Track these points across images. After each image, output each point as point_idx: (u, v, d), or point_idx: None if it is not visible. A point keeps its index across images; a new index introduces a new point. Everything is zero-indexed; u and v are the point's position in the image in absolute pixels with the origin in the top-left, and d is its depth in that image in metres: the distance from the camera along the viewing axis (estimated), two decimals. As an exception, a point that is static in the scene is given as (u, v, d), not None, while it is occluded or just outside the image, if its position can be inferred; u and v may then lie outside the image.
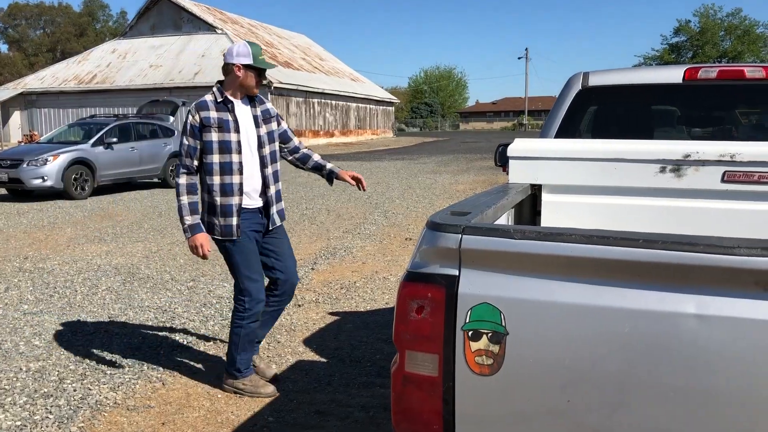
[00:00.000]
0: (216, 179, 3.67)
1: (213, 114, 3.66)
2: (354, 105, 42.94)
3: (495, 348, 1.54)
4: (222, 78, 3.77)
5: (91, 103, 33.43)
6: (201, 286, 6.56)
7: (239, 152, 3.68)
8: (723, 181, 2.78)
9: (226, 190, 3.68)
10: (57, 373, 4.30)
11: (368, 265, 7.46)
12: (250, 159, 3.73)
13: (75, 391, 4.02)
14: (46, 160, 13.64)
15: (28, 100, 35.61)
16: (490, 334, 1.54)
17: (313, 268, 7.29)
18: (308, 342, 4.89)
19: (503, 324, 1.53)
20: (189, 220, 3.71)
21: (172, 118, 17.05)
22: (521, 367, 1.53)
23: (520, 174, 2.97)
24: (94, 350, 4.72)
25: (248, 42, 3.75)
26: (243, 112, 3.75)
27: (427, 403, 1.61)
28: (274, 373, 4.07)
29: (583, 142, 3.28)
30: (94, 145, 14.52)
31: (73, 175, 13.87)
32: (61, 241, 9.16)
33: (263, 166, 3.78)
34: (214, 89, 3.74)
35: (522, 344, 1.53)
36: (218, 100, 3.70)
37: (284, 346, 4.82)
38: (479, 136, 51.67)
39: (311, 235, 9.40)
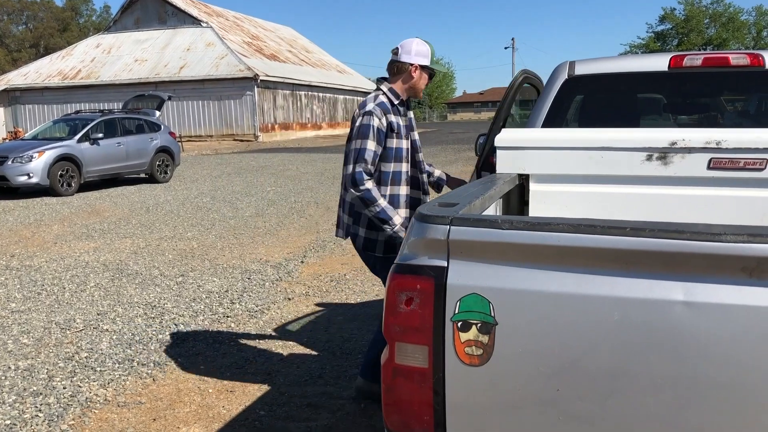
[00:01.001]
0: (387, 190, 3.30)
1: (393, 118, 3.29)
2: (341, 97, 42.83)
3: (484, 338, 1.54)
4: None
5: (76, 98, 33.16)
6: (190, 281, 6.54)
7: (408, 161, 3.35)
8: (709, 168, 2.79)
9: (394, 202, 3.31)
10: (46, 371, 4.28)
11: (358, 257, 7.44)
12: (411, 169, 3.42)
13: (65, 388, 4.00)
14: (32, 156, 13.53)
15: (11, 97, 35.27)
16: (479, 325, 1.54)
17: (302, 262, 7.28)
18: (299, 335, 4.89)
19: (492, 314, 1.53)
20: (398, 218, 3.25)
21: (158, 113, 16.96)
22: (511, 357, 1.54)
23: (507, 164, 2.97)
24: (84, 347, 4.70)
25: (425, 41, 3.39)
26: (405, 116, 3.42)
27: (418, 394, 1.61)
28: None
29: (569, 131, 3.29)
30: (79, 140, 14.41)
31: (59, 172, 13.76)
32: (48, 239, 9.09)
33: (421, 172, 3.48)
34: (385, 89, 3.36)
35: (511, 334, 1.53)
36: (394, 103, 3.33)
37: (275, 339, 4.81)
38: (467, 126, 51.69)
39: (300, 228, 9.39)
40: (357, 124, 3.28)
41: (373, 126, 3.22)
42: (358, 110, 3.33)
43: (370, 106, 3.28)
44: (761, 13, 54.67)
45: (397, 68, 3.36)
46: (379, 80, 3.45)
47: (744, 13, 54.78)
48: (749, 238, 1.38)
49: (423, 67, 3.35)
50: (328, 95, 40.89)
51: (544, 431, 1.56)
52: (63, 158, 13.91)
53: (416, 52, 3.33)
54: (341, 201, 3.55)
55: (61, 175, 13.81)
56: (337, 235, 3.65)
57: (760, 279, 1.40)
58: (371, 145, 3.21)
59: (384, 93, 3.36)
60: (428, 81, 3.43)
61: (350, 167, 3.22)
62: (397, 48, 3.38)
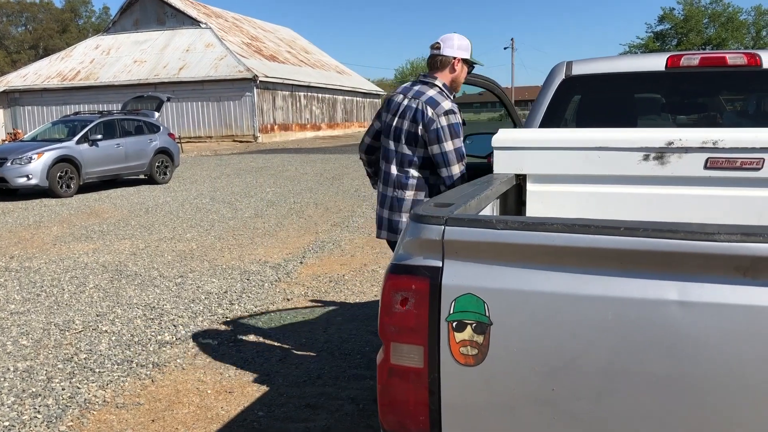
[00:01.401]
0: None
1: None
2: (341, 98, 42.81)
3: (479, 338, 1.54)
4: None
5: (75, 99, 33.13)
6: (189, 282, 6.54)
7: None
8: (706, 167, 2.79)
9: None
10: (45, 372, 4.28)
11: (357, 257, 7.46)
12: None
13: (63, 390, 4.00)
14: (31, 158, 13.52)
15: (11, 98, 35.25)
16: (474, 325, 1.54)
17: (301, 262, 7.28)
18: (297, 336, 4.89)
19: (487, 314, 1.53)
20: None
21: (157, 114, 16.96)
22: (505, 356, 1.54)
23: (504, 164, 2.97)
24: (83, 348, 4.70)
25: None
26: None
27: (413, 394, 1.62)
28: None
29: (567, 131, 3.29)
30: (78, 142, 14.41)
31: (58, 173, 13.76)
32: (48, 240, 9.09)
33: None
34: (440, 85, 3.39)
35: (506, 334, 1.53)
36: (451, 98, 3.39)
37: (273, 340, 4.81)
38: (467, 127, 51.55)
39: (299, 228, 9.39)
40: (445, 123, 3.30)
41: (461, 124, 3.36)
42: (431, 109, 3.31)
43: (448, 105, 3.32)
44: (760, 13, 54.66)
45: (440, 62, 3.39)
46: (425, 76, 3.46)
47: (743, 12, 54.78)
48: (743, 238, 1.38)
49: (464, 61, 3.41)
50: (327, 96, 40.87)
51: (540, 431, 1.57)
52: (62, 159, 13.91)
53: (458, 46, 3.38)
54: (392, 201, 3.49)
55: (60, 177, 13.81)
56: (381, 237, 3.58)
57: (754, 278, 1.40)
58: (463, 141, 3.37)
59: (441, 90, 3.38)
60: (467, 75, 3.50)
61: (458, 167, 3.33)
62: (437, 42, 3.40)
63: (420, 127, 3.32)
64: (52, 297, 6.13)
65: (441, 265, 1.58)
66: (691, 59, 3.62)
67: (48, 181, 13.58)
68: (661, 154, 2.82)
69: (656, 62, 3.70)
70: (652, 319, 1.45)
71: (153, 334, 5.01)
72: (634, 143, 2.85)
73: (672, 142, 2.80)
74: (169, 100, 17.83)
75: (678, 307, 1.44)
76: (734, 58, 3.55)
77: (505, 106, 4.85)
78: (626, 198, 2.93)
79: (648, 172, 2.85)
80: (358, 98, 45.42)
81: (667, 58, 3.65)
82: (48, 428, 3.53)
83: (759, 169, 2.74)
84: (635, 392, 1.48)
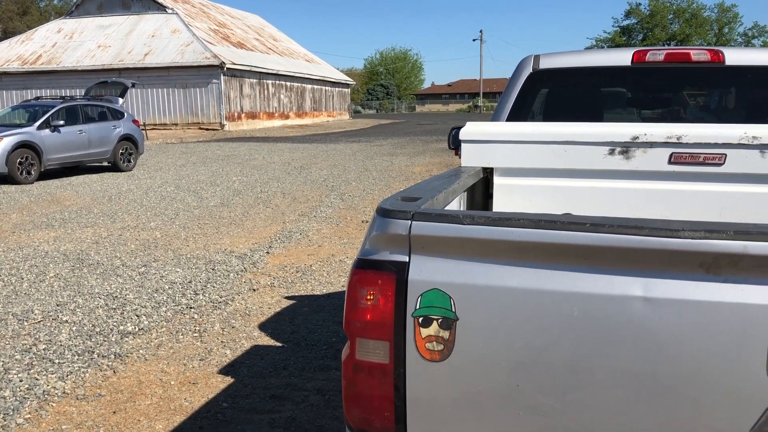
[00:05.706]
0: None
1: None
2: (309, 87, 42.52)
3: (445, 334, 1.54)
4: None
5: (37, 84, 32.38)
6: (153, 271, 6.44)
7: None
8: (670, 162, 2.82)
9: None
10: (1, 363, 4.18)
11: (324, 248, 7.43)
12: None
13: (21, 381, 3.91)
14: (-11, 143, 13.18)
15: (-31, 81, 34.29)
16: (440, 320, 1.54)
17: (268, 252, 7.23)
18: (263, 326, 4.86)
19: (453, 310, 1.53)
20: None
21: (121, 100, 16.66)
22: (471, 352, 1.53)
23: (472, 157, 2.97)
24: (42, 339, 4.60)
25: None
26: None
27: (378, 389, 1.61)
28: None
29: (533, 125, 3.30)
30: (40, 127, 14.09)
31: (18, 159, 13.44)
32: (6, 228, 8.88)
33: None
34: None
35: (472, 329, 1.53)
36: None
37: (239, 330, 4.77)
38: (435, 118, 51.80)
39: (266, 218, 9.32)
40: None
41: None
42: None
43: None
44: (723, 10, 55.77)
45: None
46: None
47: (706, 9, 56.00)
48: (706, 234, 1.39)
49: None
50: (295, 84, 40.57)
51: (505, 425, 1.57)
52: (22, 145, 13.59)
53: None
54: None
55: (20, 163, 13.50)
56: None
57: (717, 275, 1.41)
58: None
59: None
60: None
61: None
62: None
63: None
64: (11, 286, 5.99)
65: (407, 260, 1.56)
66: (657, 55, 3.65)
67: (7, 168, 13.25)
68: (626, 148, 2.85)
69: (622, 57, 3.73)
70: (617, 315, 1.46)
71: (115, 324, 4.93)
72: (600, 138, 2.87)
73: (637, 137, 2.82)
74: (133, 86, 17.55)
75: (642, 303, 1.44)
76: (698, 54, 3.60)
77: None
78: (592, 192, 2.96)
79: (613, 166, 2.88)
80: (327, 87, 45.16)
81: (633, 54, 3.68)
82: (4, 421, 3.45)
83: (721, 164, 2.79)
84: (600, 387, 1.49)
